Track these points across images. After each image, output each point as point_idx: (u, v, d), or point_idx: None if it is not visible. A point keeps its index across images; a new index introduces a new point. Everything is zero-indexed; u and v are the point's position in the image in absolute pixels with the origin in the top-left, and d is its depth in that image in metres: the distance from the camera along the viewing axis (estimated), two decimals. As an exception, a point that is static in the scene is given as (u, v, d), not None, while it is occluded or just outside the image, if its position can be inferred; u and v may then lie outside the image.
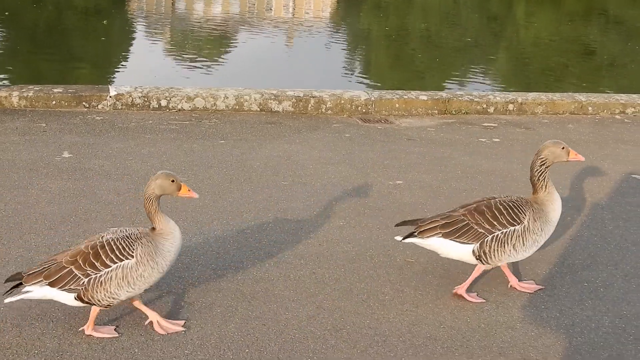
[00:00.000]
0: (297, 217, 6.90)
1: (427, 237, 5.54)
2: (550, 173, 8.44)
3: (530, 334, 5.23)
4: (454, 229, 5.50)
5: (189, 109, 10.10)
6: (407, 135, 9.73)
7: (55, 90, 9.92)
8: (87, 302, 4.79)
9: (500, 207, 5.55)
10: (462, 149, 9.27)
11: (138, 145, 8.60)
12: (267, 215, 6.89)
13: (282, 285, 5.66)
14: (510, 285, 5.82)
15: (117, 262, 4.77)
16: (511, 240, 5.51)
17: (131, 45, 19.79)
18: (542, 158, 5.67)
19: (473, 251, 5.52)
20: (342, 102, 10.52)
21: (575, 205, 7.63)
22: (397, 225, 5.85)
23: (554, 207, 5.67)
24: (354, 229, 6.74)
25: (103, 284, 4.75)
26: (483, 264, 5.59)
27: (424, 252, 6.32)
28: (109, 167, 7.87)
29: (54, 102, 9.77)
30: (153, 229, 4.96)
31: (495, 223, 5.49)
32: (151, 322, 4.98)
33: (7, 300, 4.84)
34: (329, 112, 10.46)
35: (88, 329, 4.87)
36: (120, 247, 4.80)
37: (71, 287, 4.74)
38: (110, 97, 9.91)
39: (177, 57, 17.85)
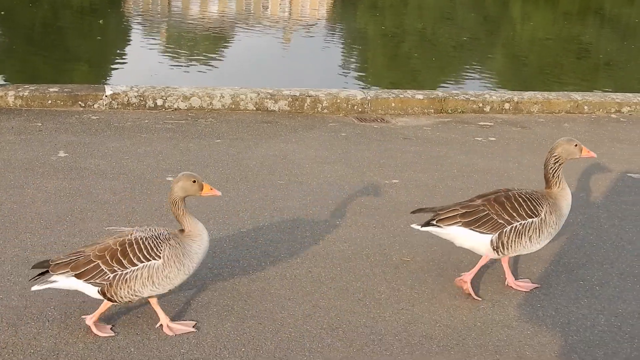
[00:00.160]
0: (293, 216, 6.90)
1: (447, 225, 5.56)
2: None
3: (526, 332, 5.24)
4: (475, 219, 5.54)
5: (185, 108, 10.10)
6: (403, 134, 9.73)
7: (51, 89, 9.91)
8: (108, 298, 4.82)
9: (520, 199, 5.61)
10: (458, 148, 9.28)
11: (134, 144, 8.59)
12: (263, 214, 6.89)
13: (278, 284, 5.66)
14: (507, 284, 5.83)
15: (143, 262, 4.80)
16: (528, 232, 5.58)
17: (127, 44, 19.76)
18: (555, 155, 5.74)
19: (491, 241, 5.55)
20: (338, 101, 10.53)
21: (571, 204, 7.62)
22: (413, 212, 5.85)
23: (567, 202, 5.78)
24: (350, 227, 6.75)
25: (128, 281, 4.78)
26: (498, 254, 5.63)
27: (420, 251, 6.34)
28: (105, 166, 7.86)
29: (49, 102, 9.76)
30: (182, 230, 4.99)
31: (514, 214, 5.56)
32: (161, 325, 4.97)
33: (34, 288, 4.86)
34: (325, 111, 10.46)
35: (91, 320, 4.88)
36: (148, 246, 4.82)
37: (96, 280, 4.78)
38: (106, 96, 9.91)
39: (173, 57, 17.83)
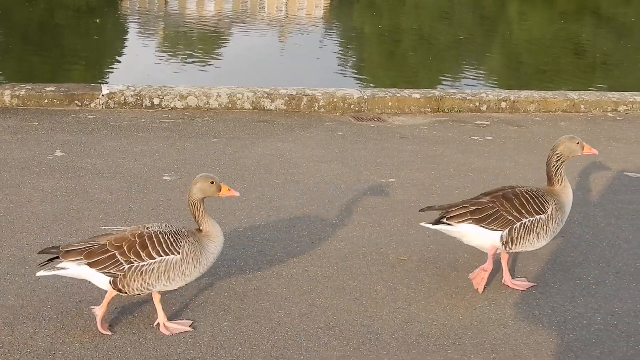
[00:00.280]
0: (289, 215, 6.90)
1: (457, 222, 5.59)
2: (542, 171, 8.46)
3: (522, 331, 5.24)
4: (485, 215, 5.58)
5: (182, 107, 10.10)
6: (399, 133, 9.74)
7: (47, 88, 9.90)
8: (119, 289, 4.81)
9: (527, 195, 5.66)
10: (454, 147, 9.28)
11: (130, 143, 8.59)
12: (260, 214, 6.89)
13: (275, 283, 5.66)
14: (503, 282, 5.84)
15: (162, 256, 4.81)
16: (536, 229, 5.63)
17: (124, 43, 19.75)
18: (558, 153, 5.78)
19: (501, 237, 5.59)
20: (335, 100, 10.53)
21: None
22: (421, 210, 5.86)
23: (569, 199, 5.83)
24: (346, 226, 6.75)
25: (143, 274, 4.79)
26: (507, 250, 5.68)
27: (417, 250, 6.34)
28: (102, 165, 7.86)
29: (46, 101, 9.76)
30: (199, 229, 5.00)
31: (523, 211, 5.60)
32: (158, 324, 4.97)
33: (40, 274, 4.84)
34: (322, 110, 10.46)
35: (100, 310, 4.88)
36: (168, 241, 4.84)
37: (110, 270, 4.77)
38: (102, 95, 9.90)
39: (169, 56, 17.83)
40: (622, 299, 5.79)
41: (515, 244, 5.63)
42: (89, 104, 9.87)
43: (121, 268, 4.77)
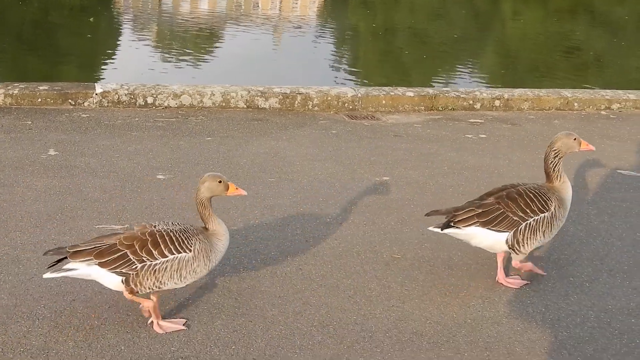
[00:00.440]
0: (283, 214, 6.90)
1: (465, 226, 5.60)
2: (536, 169, 8.48)
3: (516, 328, 5.25)
4: (491, 218, 5.60)
5: (176, 106, 10.09)
6: (393, 132, 9.74)
7: (41, 87, 9.88)
8: (129, 288, 4.81)
9: (530, 194, 5.69)
10: (448, 145, 9.29)
11: (124, 142, 8.58)
12: (254, 212, 6.89)
13: (269, 282, 5.66)
14: (497, 279, 5.85)
15: (174, 254, 4.82)
16: (542, 227, 5.67)
17: (117, 42, 19.72)
18: (555, 149, 5.81)
19: (506, 240, 5.62)
20: (329, 98, 10.53)
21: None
22: (427, 215, 5.84)
23: (569, 195, 5.88)
24: (340, 225, 6.75)
25: (156, 272, 4.79)
26: (515, 252, 5.71)
27: (411, 248, 6.35)
28: (95, 164, 7.84)
29: (39, 100, 9.74)
30: (205, 228, 5.02)
31: (527, 210, 5.63)
32: (152, 322, 4.97)
33: (47, 276, 4.81)
34: (316, 108, 10.46)
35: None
36: (179, 239, 4.85)
37: (122, 270, 4.76)
38: (96, 94, 9.88)
39: (163, 55, 17.81)
40: (616, 296, 5.80)
41: (523, 245, 5.66)
42: (83, 102, 9.85)
43: (133, 267, 4.76)
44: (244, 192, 5.17)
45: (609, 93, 11.94)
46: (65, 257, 4.79)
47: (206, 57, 18.06)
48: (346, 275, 5.84)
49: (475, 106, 11.07)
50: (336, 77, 16.36)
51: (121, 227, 6.38)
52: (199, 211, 5.02)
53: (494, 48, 22.02)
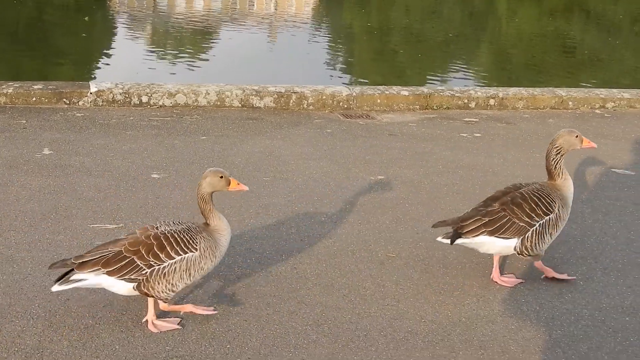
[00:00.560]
0: (278, 213, 6.90)
1: (473, 236, 5.61)
2: (531, 168, 8.50)
3: (510, 327, 5.26)
4: (498, 226, 5.60)
5: (170, 105, 10.08)
6: (388, 131, 9.75)
7: (35, 86, 9.86)
8: (144, 293, 4.83)
9: (535, 197, 5.70)
10: (443, 144, 9.30)
11: (119, 141, 8.57)
12: (248, 211, 6.89)
13: (264, 281, 5.66)
14: (492, 278, 5.86)
15: (181, 255, 4.82)
16: (548, 229, 5.71)
17: (112, 41, 19.71)
18: (557, 147, 5.84)
19: (515, 247, 5.67)
20: (324, 97, 10.53)
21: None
22: (434, 226, 5.83)
23: (571, 192, 5.92)
24: (335, 224, 6.75)
25: (166, 275, 4.80)
26: (524, 256, 5.76)
27: (405, 247, 6.36)
28: (90, 163, 7.84)
29: (34, 99, 9.72)
30: (206, 224, 5.03)
31: (533, 215, 5.66)
32: (147, 321, 4.96)
33: (56, 289, 4.78)
34: (311, 107, 10.46)
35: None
36: (185, 239, 4.86)
37: (131, 276, 4.76)
38: (91, 93, 9.87)
39: (158, 54, 17.79)
40: (610, 295, 5.81)
41: (532, 249, 5.70)
42: (77, 102, 9.84)
43: (142, 272, 4.76)
44: (246, 188, 5.17)
45: (603, 92, 11.96)
46: (72, 269, 4.76)
47: (201, 56, 18.05)
48: (341, 274, 5.84)
49: (470, 105, 11.08)
50: (331, 76, 16.36)
51: (116, 226, 6.38)
52: (199, 206, 5.03)
53: (489, 47, 22.05)
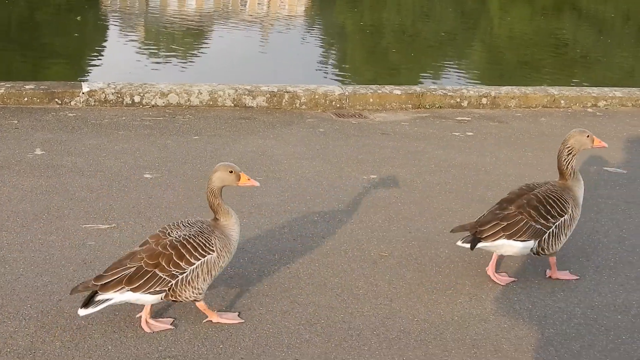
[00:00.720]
0: (271, 212, 6.90)
1: (492, 241, 5.65)
2: (523, 167, 8.51)
3: (503, 325, 5.27)
4: (516, 230, 5.65)
5: (163, 104, 10.06)
6: (381, 130, 9.75)
7: (27, 86, 9.84)
8: (174, 301, 4.89)
9: (550, 200, 5.75)
10: (435, 143, 9.31)
11: (111, 141, 8.55)
12: (241, 211, 6.87)
13: (256, 280, 5.66)
14: (486, 270, 5.88)
15: (200, 259, 4.83)
16: (563, 230, 5.77)
17: (104, 41, 19.66)
18: (569, 147, 5.88)
19: (532, 249, 5.72)
20: (317, 97, 10.53)
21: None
22: (452, 231, 5.87)
23: (581, 193, 5.96)
24: (328, 223, 6.75)
25: (191, 282, 4.82)
26: (540, 256, 5.83)
27: (398, 246, 6.36)
28: (82, 163, 7.82)
29: (26, 99, 9.70)
30: (215, 219, 5.02)
31: (549, 217, 5.70)
32: (140, 319, 4.95)
33: (84, 313, 4.71)
34: (303, 107, 10.46)
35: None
36: (201, 243, 4.85)
37: (156, 289, 4.76)
38: (83, 93, 9.85)
39: (150, 53, 17.76)
40: (602, 293, 5.83)
41: (548, 249, 5.76)
42: (69, 102, 9.82)
43: (168, 284, 4.77)
44: (257, 183, 5.15)
45: (595, 90, 12.00)
46: (96, 292, 4.72)
47: (193, 55, 18.03)
48: (334, 274, 5.84)
49: (462, 104, 11.09)
50: (324, 76, 16.37)
51: (108, 226, 6.37)
52: (209, 200, 5.01)
53: (481, 46, 22.08)
